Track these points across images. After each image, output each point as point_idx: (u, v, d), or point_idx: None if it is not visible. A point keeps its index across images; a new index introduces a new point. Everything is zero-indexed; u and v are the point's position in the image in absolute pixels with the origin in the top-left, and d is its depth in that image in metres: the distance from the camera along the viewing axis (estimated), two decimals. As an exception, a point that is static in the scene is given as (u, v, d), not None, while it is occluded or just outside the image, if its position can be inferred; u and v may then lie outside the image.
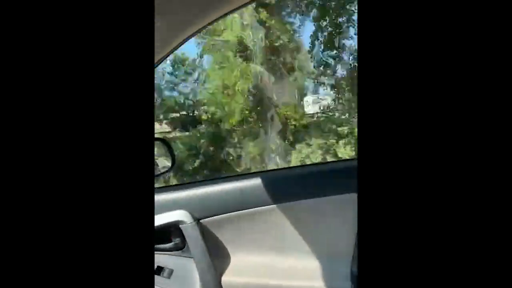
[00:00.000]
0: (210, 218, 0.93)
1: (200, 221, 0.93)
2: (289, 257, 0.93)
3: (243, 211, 0.92)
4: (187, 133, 5.91)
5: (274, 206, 0.90)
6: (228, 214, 0.93)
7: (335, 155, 4.65)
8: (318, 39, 5.06)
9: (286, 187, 0.93)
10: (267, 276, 0.92)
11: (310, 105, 5.77)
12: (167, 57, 0.66)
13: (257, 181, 0.93)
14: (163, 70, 6.04)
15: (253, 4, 4.62)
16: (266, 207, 0.90)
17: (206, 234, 0.94)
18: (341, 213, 0.88)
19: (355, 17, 4.71)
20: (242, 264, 0.96)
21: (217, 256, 0.96)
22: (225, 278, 0.94)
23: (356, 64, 4.63)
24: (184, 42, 0.64)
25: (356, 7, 4.40)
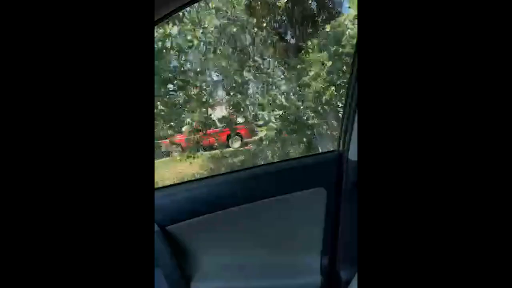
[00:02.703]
0: (176, 224, 0.89)
1: (166, 228, 0.88)
2: (259, 256, 0.93)
3: (210, 214, 0.89)
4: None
5: (241, 206, 0.90)
6: (193, 219, 0.90)
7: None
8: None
9: (252, 186, 0.93)
10: (237, 277, 0.91)
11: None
12: (165, 18, 0.60)
13: (223, 182, 0.91)
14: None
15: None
16: (233, 208, 0.90)
17: (172, 241, 0.90)
18: (309, 208, 0.89)
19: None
20: (211, 267, 0.95)
21: (184, 262, 0.93)
22: (194, 284, 0.92)
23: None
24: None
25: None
